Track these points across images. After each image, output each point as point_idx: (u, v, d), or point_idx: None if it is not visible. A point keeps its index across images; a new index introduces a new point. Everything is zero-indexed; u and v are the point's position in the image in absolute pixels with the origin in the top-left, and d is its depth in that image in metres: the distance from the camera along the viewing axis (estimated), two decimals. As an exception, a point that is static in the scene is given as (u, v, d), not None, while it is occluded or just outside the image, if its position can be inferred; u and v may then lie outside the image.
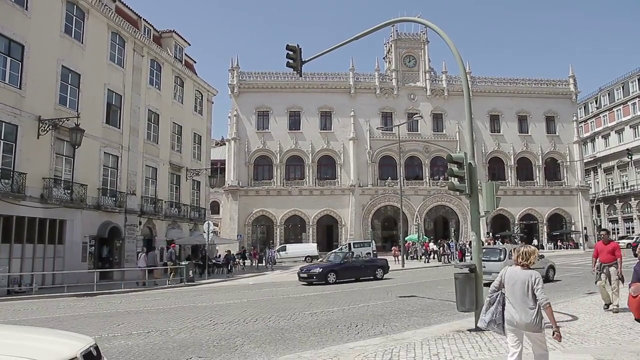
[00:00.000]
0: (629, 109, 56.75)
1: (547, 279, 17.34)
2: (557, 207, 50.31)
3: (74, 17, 22.32)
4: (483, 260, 17.23)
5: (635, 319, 8.40)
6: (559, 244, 48.50)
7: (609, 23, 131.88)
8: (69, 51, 21.78)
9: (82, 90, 22.38)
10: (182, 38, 33.16)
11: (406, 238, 37.58)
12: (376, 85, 49.52)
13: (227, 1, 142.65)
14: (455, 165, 9.27)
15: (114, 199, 24.13)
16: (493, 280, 5.12)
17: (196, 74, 34.58)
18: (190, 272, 22.71)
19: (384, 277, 21.38)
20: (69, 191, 20.85)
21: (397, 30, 51.24)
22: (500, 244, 39.12)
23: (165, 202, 29.12)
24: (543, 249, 44.49)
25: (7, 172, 18.10)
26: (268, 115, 48.34)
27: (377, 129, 47.38)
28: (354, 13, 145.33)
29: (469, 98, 9.94)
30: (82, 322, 11.21)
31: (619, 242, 45.42)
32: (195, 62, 36.04)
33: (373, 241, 34.62)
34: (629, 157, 44.49)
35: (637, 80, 55.87)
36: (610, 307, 9.95)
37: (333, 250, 40.53)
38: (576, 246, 47.90)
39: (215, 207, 51.13)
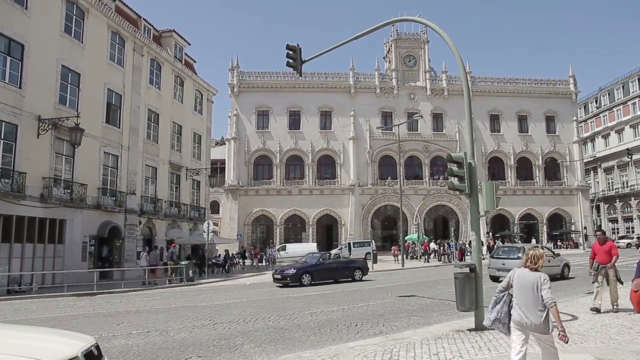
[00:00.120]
0: (629, 109, 56.75)
1: (562, 277, 17.86)
2: (557, 207, 50.31)
3: (74, 17, 22.32)
4: (503, 258, 17.74)
5: (636, 312, 8.44)
6: (558, 243, 48.48)
7: (609, 23, 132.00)
8: (68, 50, 21.78)
9: (82, 89, 22.38)
10: (182, 38, 33.16)
11: (406, 238, 37.59)
12: (376, 84, 49.49)
13: (227, 1, 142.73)
14: (455, 164, 9.26)
15: (114, 198, 24.13)
16: None
17: (196, 74, 34.58)
18: (190, 271, 22.71)
19: (362, 279, 20.70)
20: (68, 191, 20.86)
21: (397, 30, 51.21)
22: (500, 243, 39.42)
23: (165, 201, 29.12)
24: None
25: (7, 172, 18.10)
26: (268, 115, 48.32)
27: (377, 128, 47.36)
28: (354, 13, 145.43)
29: (469, 98, 9.94)
30: (82, 321, 11.21)
31: (618, 242, 45.54)
32: (195, 62, 36.04)
33: (373, 241, 34.63)
34: (629, 156, 44.51)
35: (637, 80, 55.86)
36: (608, 309, 9.92)
37: (332, 250, 40.73)
38: (576, 246, 47.88)
39: (215, 207, 51.13)
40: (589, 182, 57.86)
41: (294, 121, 48.37)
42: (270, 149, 47.37)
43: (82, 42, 22.70)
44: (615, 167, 57.75)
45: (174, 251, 25.50)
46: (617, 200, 57.17)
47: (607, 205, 59.41)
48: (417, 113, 47.38)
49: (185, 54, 33.94)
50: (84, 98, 22.44)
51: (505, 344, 7.30)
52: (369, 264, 29.99)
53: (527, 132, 51.25)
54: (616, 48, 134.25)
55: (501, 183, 46.77)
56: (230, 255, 32.04)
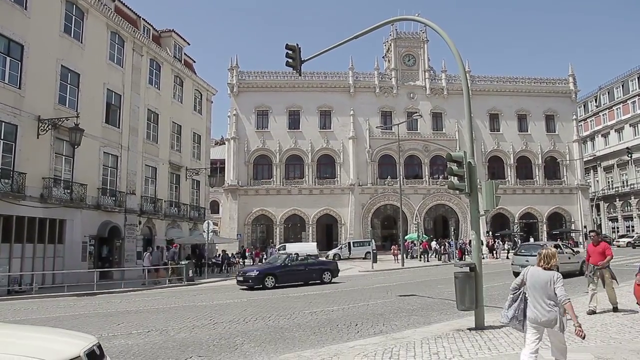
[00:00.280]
0: (628, 108, 56.73)
1: (581, 272, 17.86)
2: (556, 206, 50.31)
3: (74, 17, 22.29)
4: (526, 255, 18.06)
5: (637, 303, 8.47)
6: (558, 242, 48.45)
7: (608, 21, 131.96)
8: (68, 51, 21.76)
9: (81, 89, 22.37)
10: (182, 37, 33.13)
11: (406, 237, 37.60)
12: (375, 84, 49.48)
13: (226, 1, 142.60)
14: (455, 164, 9.27)
15: (114, 198, 24.13)
16: None
17: (195, 74, 34.56)
18: (190, 271, 22.71)
19: (332, 281, 19.73)
20: (68, 191, 20.85)
21: (396, 29, 51.17)
22: (500, 242, 39.46)
23: (164, 201, 29.12)
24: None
25: (7, 172, 18.09)
26: (267, 115, 48.30)
27: (376, 127, 47.37)
28: (354, 13, 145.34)
29: (468, 97, 9.94)
30: (82, 321, 11.21)
31: (618, 241, 45.44)
32: (194, 62, 36.02)
33: (373, 240, 34.68)
34: (629, 155, 44.49)
35: (637, 79, 55.82)
36: (607, 309, 9.91)
37: (331, 250, 40.75)
38: (576, 245, 47.79)
39: (214, 207, 51.12)
40: (588, 181, 57.86)
41: (294, 121, 48.36)
42: (269, 148, 47.37)
43: (81, 42, 22.68)
44: (615, 166, 57.74)
45: (176, 251, 25.51)
46: (617, 199, 57.17)
47: (607, 204, 59.40)
48: (416, 112, 47.38)
49: (185, 53, 33.93)
50: (84, 98, 22.42)
51: (505, 343, 7.32)
52: (369, 263, 30.14)
53: (527, 131, 51.24)
54: (616, 46, 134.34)
55: (501, 182, 46.72)
56: (228, 255, 32.02)
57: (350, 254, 39.76)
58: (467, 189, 9.01)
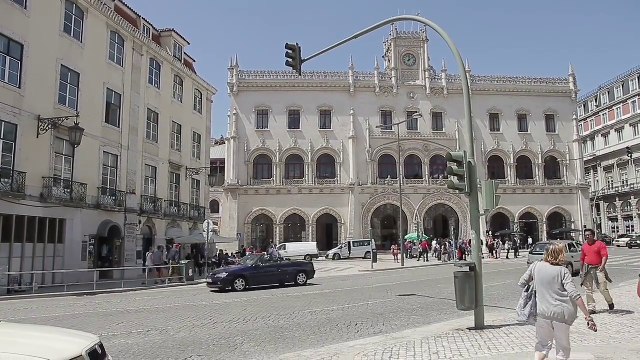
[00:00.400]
0: (629, 107, 56.73)
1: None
2: (557, 206, 50.31)
3: (73, 16, 22.28)
4: (541, 254, 17.99)
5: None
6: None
7: (608, 21, 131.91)
8: (68, 50, 21.75)
9: (81, 89, 22.36)
10: (182, 37, 33.12)
11: (406, 237, 37.61)
12: (376, 83, 49.46)
13: (226, 1, 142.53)
14: (455, 163, 9.26)
15: (114, 198, 24.13)
16: None
17: (195, 73, 34.56)
18: (190, 271, 22.71)
19: (307, 283, 19.05)
20: (68, 190, 20.85)
21: (396, 29, 51.14)
22: (500, 242, 39.43)
23: (165, 201, 29.12)
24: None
25: (6, 172, 18.09)
26: (267, 114, 48.29)
27: (376, 127, 47.36)
28: (354, 13, 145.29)
29: (468, 96, 9.94)
30: (82, 321, 11.21)
31: (618, 241, 45.39)
32: (194, 61, 36.01)
33: (373, 240, 34.68)
34: (629, 155, 44.51)
35: (637, 79, 55.81)
36: (605, 309, 9.89)
37: (331, 250, 40.78)
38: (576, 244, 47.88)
39: (214, 206, 51.14)
40: (588, 180, 57.86)
41: (294, 120, 48.35)
42: (269, 148, 47.36)
43: (81, 42, 22.68)
44: (615, 165, 57.74)
45: (177, 251, 25.53)
46: (617, 199, 57.17)
47: (607, 204, 59.41)
48: (416, 112, 47.36)
49: (185, 53, 33.92)
50: (84, 98, 22.42)
51: (505, 343, 7.32)
52: (369, 263, 30.12)
53: (527, 131, 51.23)
54: (616, 46, 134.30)
55: (501, 182, 46.72)
56: (227, 254, 32.01)
57: (350, 253, 39.80)
58: (467, 188, 9.00)
